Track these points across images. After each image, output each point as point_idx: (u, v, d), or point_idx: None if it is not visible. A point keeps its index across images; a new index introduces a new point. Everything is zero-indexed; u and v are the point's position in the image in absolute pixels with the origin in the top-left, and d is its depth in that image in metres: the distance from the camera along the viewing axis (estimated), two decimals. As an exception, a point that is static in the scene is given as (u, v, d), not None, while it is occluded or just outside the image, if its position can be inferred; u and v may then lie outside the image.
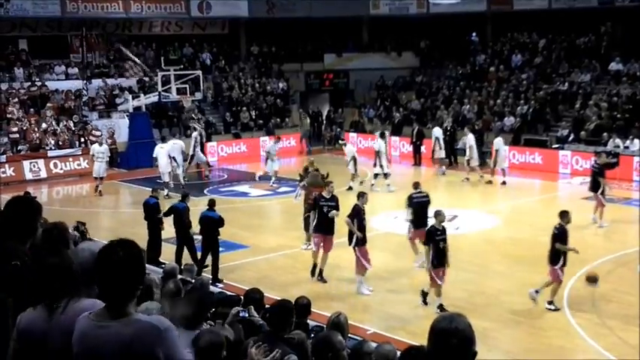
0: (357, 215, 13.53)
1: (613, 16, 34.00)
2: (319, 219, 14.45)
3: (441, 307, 12.27)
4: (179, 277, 9.44)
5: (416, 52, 40.09)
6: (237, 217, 20.47)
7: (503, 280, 14.04)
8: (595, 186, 18.53)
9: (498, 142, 24.46)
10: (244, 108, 34.56)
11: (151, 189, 17.43)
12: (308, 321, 7.93)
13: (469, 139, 25.31)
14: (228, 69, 37.50)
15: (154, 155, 23.98)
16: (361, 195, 13.92)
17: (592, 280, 12.20)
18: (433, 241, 12.79)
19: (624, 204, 21.17)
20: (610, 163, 23.66)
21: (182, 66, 32.91)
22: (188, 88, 30.15)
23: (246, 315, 7.13)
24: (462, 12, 35.07)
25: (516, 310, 12.60)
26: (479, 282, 14.12)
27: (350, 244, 13.60)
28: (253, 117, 34.55)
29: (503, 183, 24.05)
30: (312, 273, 14.45)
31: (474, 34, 39.34)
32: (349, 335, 7.14)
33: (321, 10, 37.21)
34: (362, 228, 13.57)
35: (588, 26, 34.34)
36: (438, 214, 12.91)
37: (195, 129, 28.00)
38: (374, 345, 6.13)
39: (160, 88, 30.07)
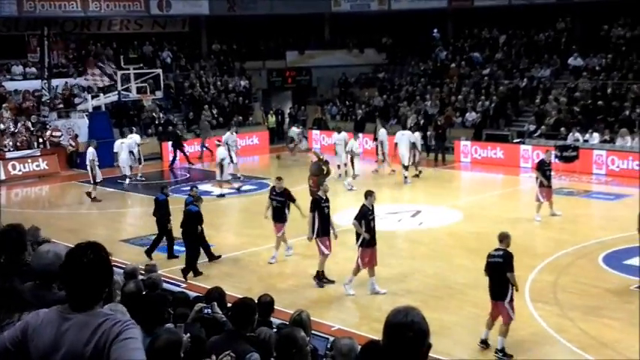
0: (365, 216, 12.98)
1: (572, 11, 34.48)
2: (323, 221, 13.78)
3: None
4: (140, 277, 9.31)
5: (378, 48, 40.20)
6: (200, 216, 20.36)
7: (467, 274, 14.08)
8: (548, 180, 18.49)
9: (383, 134, 25.77)
10: (206, 106, 34.31)
11: (161, 187, 17.90)
12: (272, 319, 7.86)
13: (381, 134, 25.90)
14: (189, 67, 37.20)
15: (115, 150, 24.00)
16: (369, 194, 13.26)
17: None
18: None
19: (584, 197, 21.47)
20: (570, 157, 24.05)
21: (142, 65, 32.55)
22: (148, 87, 29.88)
23: (210, 312, 7.06)
24: (423, 9, 35.27)
25: (480, 303, 12.65)
26: (443, 276, 14.16)
27: (357, 243, 13.12)
28: (215, 115, 34.31)
29: (393, 171, 25.00)
30: (320, 279, 13.84)
31: (435, 30, 39.58)
32: (312, 332, 7.10)
33: (283, 7, 37.11)
34: (370, 229, 13.00)
35: (548, 22, 34.78)
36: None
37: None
38: (347, 341, 6.07)
39: (119, 87, 29.74)
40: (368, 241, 12.96)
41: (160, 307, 5.81)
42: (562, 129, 26.60)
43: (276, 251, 15.42)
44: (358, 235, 13.04)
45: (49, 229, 15.27)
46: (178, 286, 13.02)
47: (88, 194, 23.00)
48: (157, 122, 30.84)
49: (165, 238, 15.98)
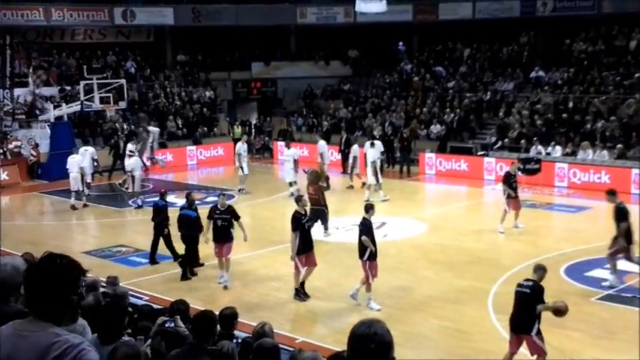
0: (370, 231, 12.91)
1: (534, 26, 35.01)
2: (304, 238, 13.45)
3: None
4: (101, 290, 9.16)
5: (344, 60, 40.35)
6: (164, 228, 20.15)
7: (432, 286, 14.14)
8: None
9: (356, 150, 25.66)
10: (171, 117, 34.06)
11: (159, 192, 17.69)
12: (235, 332, 7.78)
13: (354, 150, 25.83)
14: (153, 77, 36.93)
15: (67, 167, 23.61)
16: (370, 207, 13.22)
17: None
18: (300, 226, 13.12)
19: (546, 209, 21.70)
20: (532, 169, 24.32)
21: (105, 74, 32.22)
22: (112, 97, 29.56)
23: (172, 325, 6.97)
24: (388, 22, 35.43)
25: (444, 315, 12.70)
26: (408, 288, 14.17)
27: (361, 257, 12.94)
28: (180, 126, 34.07)
29: (363, 184, 24.25)
30: (300, 294, 13.58)
31: (400, 43, 39.87)
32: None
33: (248, 18, 37.11)
34: (373, 241, 12.96)
35: (511, 36, 35.27)
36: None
37: (147, 132, 27.66)
38: (310, 354, 6.03)
39: (82, 97, 29.38)
40: (375, 254, 12.90)
41: (119, 318, 5.71)
42: (522, 141, 26.94)
43: (226, 273, 14.54)
44: (363, 249, 12.87)
45: (9, 240, 15.03)
46: (141, 298, 12.87)
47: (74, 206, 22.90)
48: (119, 133, 30.51)
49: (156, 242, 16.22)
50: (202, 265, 15.64)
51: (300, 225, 13.39)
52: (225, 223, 14.32)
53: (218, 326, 6.74)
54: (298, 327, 12.41)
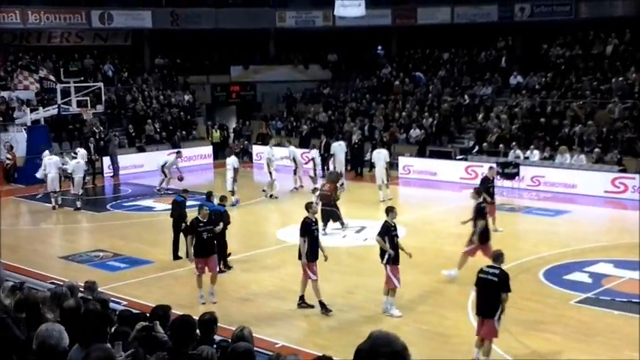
0: (388, 232, 12.83)
1: (512, 31, 35.23)
2: (313, 245, 13.07)
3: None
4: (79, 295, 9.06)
5: (323, 64, 40.34)
6: (141, 232, 20.10)
7: (412, 289, 14.13)
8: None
9: (335, 147, 26.33)
10: (149, 121, 33.83)
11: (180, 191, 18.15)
12: (215, 337, 7.71)
13: (334, 147, 26.38)
14: (131, 81, 36.69)
15: (44, 168, 23.62)
16: (390, 210, 13.14)
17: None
18: (309, 232, 12.88)
19: (524, 213, 21.80)
20: (511, 174, 24.45)
21: (83, 78, 31.96)
22: (89, 101, 29.32)
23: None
24: (367, 26, 35.50)
25: (423, 318, 12.71)
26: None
27: (382, 261, 12.88)
28: (158, 130, 33.85)
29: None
30: (303, 303, 13.32)
31: (379, 47, 39.95)
32: (255, 348, 6.97)
33: (227, 21, 37.04)
34: (393, 245, 12.82)
35: (489, 41, 35.46)
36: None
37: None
38: (292, 358, 6.00)
39: (59, 101, 29.12)
40: (394, 258, 12.78)
41: (99, 323, 5.63)
42: (501, 146, 27.08)
43: (212, 288, 13.96)
44: (383, 252, 12.82)
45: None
46: (119, 303, 12.75)
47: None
48: (97, 137, 30.30)
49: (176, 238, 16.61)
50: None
51: (309, 231, 13.07)
52: (210, 235, 13.82)
53: (198, 331, 6.68)
54: (277, 331, 12.35)
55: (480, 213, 14.83)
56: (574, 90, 29.67)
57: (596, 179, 23.69)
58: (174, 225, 16.67)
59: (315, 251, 13.09)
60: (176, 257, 16.56)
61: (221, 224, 14.65)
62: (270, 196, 24.16)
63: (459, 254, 15.32)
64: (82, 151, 25.90)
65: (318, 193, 19.31)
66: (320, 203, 17.81)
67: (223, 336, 8.59)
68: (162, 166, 25.78)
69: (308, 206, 13.49)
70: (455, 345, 11.46)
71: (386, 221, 12.96)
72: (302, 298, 13.22)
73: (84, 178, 24.08)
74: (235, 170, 23.15)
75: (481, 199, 15.27)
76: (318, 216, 15.45)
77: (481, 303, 10.56)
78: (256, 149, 33.24)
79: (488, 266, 10.65)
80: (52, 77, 31.70)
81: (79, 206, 23.17)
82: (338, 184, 19.65)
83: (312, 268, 12.99)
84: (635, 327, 11.89)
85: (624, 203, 22.71)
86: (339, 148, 26.59)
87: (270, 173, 24.28)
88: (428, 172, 27.77)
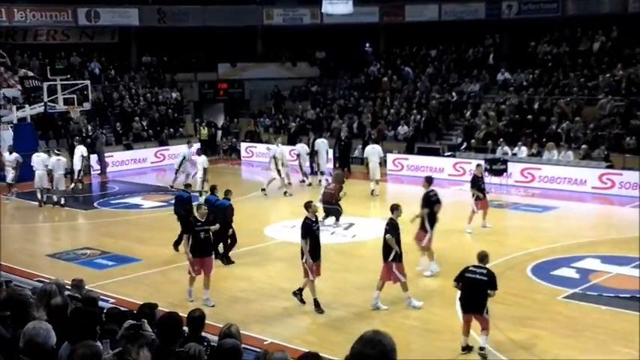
0: (394, 229, 12.79)
1: (500, 28, 35.31)
2: (315, 245, 12.95)
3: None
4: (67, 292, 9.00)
5: (311, 62, 40.29)
6: (129, 230, 20.01)
7: (400, 286, 14.10)
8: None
9: (319, 143, 26.61)
10: (136, 118, 33.69)
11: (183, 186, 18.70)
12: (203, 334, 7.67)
13: (318, 144, 26.68)
14: (118, 79, 36.52)
15: (32, 165, 23.49)
16: (395, 208, 13.07)
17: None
18: (310, 232, 12.75)
19: (512, 209, 21.87)
20: (498, 170, 24.50)
21: (69, 76, 31.77)
22: (76, 99, 29.16)
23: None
24: (355, 23, 35.47)
25: (412, 314, 12.71)
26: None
27: (386, 259, 12.79)
28: (145, 127, 33.71)
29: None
30: (299, 294, 13.21)
31: (367, 44, 39.94)
32: (243, 346, 6.94)
33: (214, 19, 36.92)
34: (398, 242, 12.78)
35: (477, 38, 35.51)
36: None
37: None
38: (279, 355, 5.95)
39: (45, 99, 28.94)
40: (400, 256, 12.79)
41: (88, 321, 5.59)
42: (489, 142, 27.15)
43: (206, 293, 13.51)
44: (388, 250, 12.74)
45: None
46: (107, 301, 12.68)
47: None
48: (84, 134, 30.14)
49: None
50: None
51: (311, 232, 12.89)
52: (207, 235, 13.60)
53: (186, 328, 6.64)
54: (265, 328, 12.31)
55: (426, 201, 15.07)
56: (561, 87, 29.78)
57: (584, 175, 23.80)
58: (181, 221, 16.19)
59: (318, 250, 13.03)
60: (176, 249, 16.60)
61: (217, 225, 14.54)
62: (263, 189, 24.13)
63: (447, 251, 15.34)
64: (81, 148, 25.66)
65: (322, 191, 19.96)
66: (322, 201, 18.63)
67: (211, 333, 8.56)
68: (182, 161, 25.24)
69: (307, 205, 13.28)
70: (443, 341, 11.45)
71: (392, 219, 12.94)
72: (301, 290, 13.14)
73: (65, 175, 23.86)
74: (205, 170, 23.12)
75: (431, 189, 15.39)
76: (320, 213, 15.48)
77: (469, 301, 10.80)
78: (244, 146, 33.27)
79: (475, 266, 10.82)
80: (30, 74, 31.54)
81: (62, 203, 22.96)
82: (335, 184, 19.71)
83: (313, 267, 12.93)
84: (623, 322, 11.96)
85: (611, 199, 22.84)
86: (322, 144, 26.70)
87: (279, 171, 24.15)
88: (416, 168, 27.76)
